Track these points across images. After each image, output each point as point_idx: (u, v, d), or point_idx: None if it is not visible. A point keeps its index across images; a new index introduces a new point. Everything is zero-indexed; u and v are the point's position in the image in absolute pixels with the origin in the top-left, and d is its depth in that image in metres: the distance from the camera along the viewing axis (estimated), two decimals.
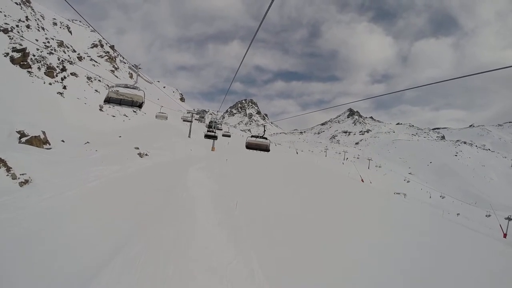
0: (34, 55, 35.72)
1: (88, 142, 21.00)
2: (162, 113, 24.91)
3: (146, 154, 18.43)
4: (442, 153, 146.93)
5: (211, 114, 39.64)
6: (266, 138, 10.66)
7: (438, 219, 20.36)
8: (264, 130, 11.99)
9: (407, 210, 21.84)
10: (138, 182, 11.68)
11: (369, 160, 76.22)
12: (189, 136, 37.60)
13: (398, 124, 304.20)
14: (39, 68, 34.33)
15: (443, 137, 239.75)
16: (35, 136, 16.34)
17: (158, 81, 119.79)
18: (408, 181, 64.41)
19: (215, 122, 23.81)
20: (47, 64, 35.40)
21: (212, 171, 18.31)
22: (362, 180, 35.69)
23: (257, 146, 10.63)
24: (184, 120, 30.18)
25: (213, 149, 36.39)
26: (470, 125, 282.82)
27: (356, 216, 14.66)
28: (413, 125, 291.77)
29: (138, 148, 18.54)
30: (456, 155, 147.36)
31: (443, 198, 54.51)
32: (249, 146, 10.67)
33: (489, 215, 44.24)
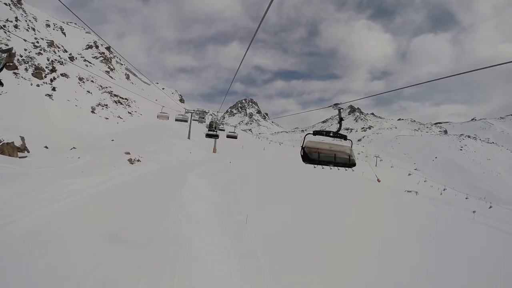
0: (21, 56, 33.50)
1: (74, 148, 18.74)
2: (164, 113, 22.71)
3: (138, 160, 16.10)
4: (447, 148, 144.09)
5: (211, 115, 37.05)
6: (345, 137, 5.19)
7: (477, 226, 18.02)
8: (341, 119, 5.22)
9: (437, 215, 19.54)
10: (119, 199, 9.14)
11: (377, 157, 73.62)
12: (188, 138, 35.30)
13: (399, 119, 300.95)
14: (26, 69, 32.08)
15: (445, 132, 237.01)
16: (7, 143, 14.03)
17: (157, 83, 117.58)
18: (425, 181, 61.92)
19: (216, 122, 21.91)
20: (35, 65, 33.14)
21: (215, 178, 16.01)
22: (378, 180, 33.28)
23: (331, 155, 5.05)
24: (177, 120, 24.87)
25: (214, 151, 34.08)
26: (472, 119, 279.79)
27: (390, 228, 12.33)
28: (414, 120, 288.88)
29: (129, 153, 16.20)
30: (461, 149, 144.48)
31: (467, 199, 52.24)
32: (314, 155, 4.93)
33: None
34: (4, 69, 30.82)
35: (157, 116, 23.59)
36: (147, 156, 17.68)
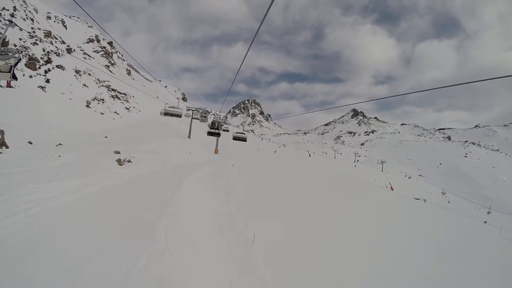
0: (15, 45, 31.74)
1: (60, 144, 16.87)
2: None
3: (129, 161, 14.16)
4: (451, 155, 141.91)
5: (213, 115, 35.26)
6: None
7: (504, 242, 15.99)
8: None
9: (456, 227, 17.54)
10: (91, 214, 6.93)
11: (383, 162, 71.39)
12: (189, 137, 33.43)
13: (403, 124, 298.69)
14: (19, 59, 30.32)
15: (449, 138, 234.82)
16: None
17: (160, 81, 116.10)
18: (443, 193, 59.46)
19: (218, 122, 20.51)
20: (29, 55, 31.36)
21: (216, 183, 14.08)
22: (392, 188, 31.42)
23: None
24: (167, 114, 19.07)
25: (216, 151, 32.21)
26: (476, 126, 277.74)
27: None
28: (418, 126, 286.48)
29: (119, 153, 14.25)
30: (465, 156, 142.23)
31: (489, 213, 49.08)
32: None
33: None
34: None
35: (160, 113, 21.79)
36: (140, 157, 15.74)
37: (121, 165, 13.17)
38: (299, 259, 7.78)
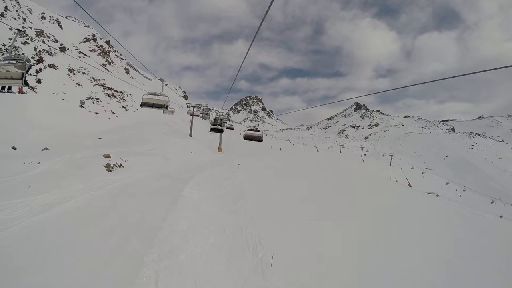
0: (4, 45, 30.17)
1: (46, 149, 15.26)
2: (170, 108, 19.30)
3: (120, 165, 12.47)
4: (457, 146, 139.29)
5: (215, 112, 33.80)
6: None
7: None
8: None
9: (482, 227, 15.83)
10: (61, 245, 5.17)
11: (392, 156, 69.21)
12: (190, 135, 31.73)
13: (406, 117, 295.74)
14: None
15: (453, 129, 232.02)
16: None
17: (160, 79, 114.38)
18: (447, 184, 57.25)
19: (220, 119, 19.47)
20: (19, 55, 29.81)
21: (220, 188, 12.38)
22: (410, 185, 29.72)
23: None
24: (145, 104, 12.23)
25: (219, 150, 30.53)
26: (479, 117, 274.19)
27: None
28: (421, 118, 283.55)
29: (109, 156, 12.56)
30: (472, 148, 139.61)
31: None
32: None
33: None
34: None
35: (163, 111, 19.98)
36: (135, 160, 14.03)
37: (110, 171, 11.47)
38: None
